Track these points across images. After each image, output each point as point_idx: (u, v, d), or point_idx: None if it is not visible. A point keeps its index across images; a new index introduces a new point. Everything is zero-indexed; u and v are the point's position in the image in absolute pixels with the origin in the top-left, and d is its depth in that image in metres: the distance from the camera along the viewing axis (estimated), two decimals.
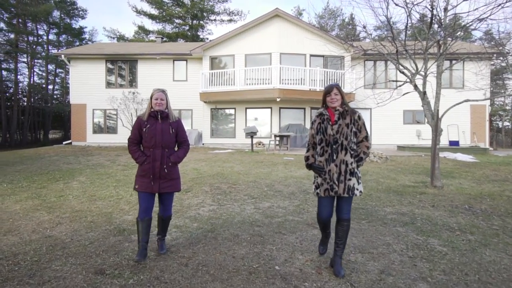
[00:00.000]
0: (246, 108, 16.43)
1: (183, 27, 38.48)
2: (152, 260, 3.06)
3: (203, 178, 7.29)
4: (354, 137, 2.83)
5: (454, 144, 16.17)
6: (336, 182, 2.76)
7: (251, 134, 13.35)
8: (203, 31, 39.43)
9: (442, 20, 6.22)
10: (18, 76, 35.62)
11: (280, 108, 16.07)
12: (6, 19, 33.38)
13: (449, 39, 6.47)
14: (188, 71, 17.74)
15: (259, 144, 15.49)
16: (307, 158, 2.99)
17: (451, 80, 16.35)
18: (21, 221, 4.35)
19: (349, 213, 2.85)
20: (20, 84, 36.49)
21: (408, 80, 6.72)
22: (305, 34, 15.99)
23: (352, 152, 2.80)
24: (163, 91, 3.16)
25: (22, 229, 4.01)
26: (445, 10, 6.27)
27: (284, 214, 4.69)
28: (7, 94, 35.25)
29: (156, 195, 3.22)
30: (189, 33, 37.69)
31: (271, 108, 16.07)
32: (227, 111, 16.90)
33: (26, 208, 4.99)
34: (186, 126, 17.68)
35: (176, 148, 3.30)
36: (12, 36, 34.28)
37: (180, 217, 4.52)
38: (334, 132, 2.79)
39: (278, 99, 14.90)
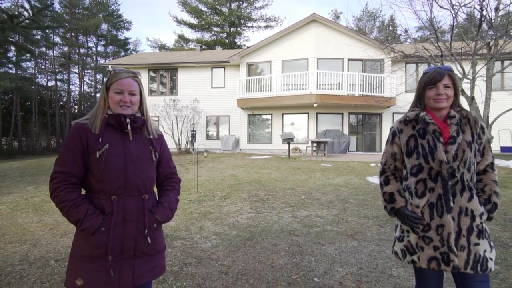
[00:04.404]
0: (282, 114, 16.44)
1: (221, 34, 39.42)
2: (194, 267, 3.17)
3: (241, 185, 7.40)
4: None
5: (506, 150, 15.01)
6: (454, 249, 1.55)
7: (288, 140, 13.33)
8: (240, 38, 40.14)
9: (493, 21, 5.86)
10: (70, 86, 38.51)
11: (317, 113, 15.90)
12: (61, 34, 36.27)
13: (501, 40, 6.07)
14: (226, 78, 18.12)
15: (296, 150, 15.41)
16: (390, 197, 1.73)
17: (503, 81, 15.23)
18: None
19: None
20: (72, 93, 39.41)
21: None
22: (342, 38, 15.72)
23: (478, 194, 1.65)
24: (134, 76, 1.58)
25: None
26: (496, 9, 5.90)
27: (322, 224, 4.64)
28: (61, 103, 38.23)
29: None
30: (227, 41, 38.53)
31: (308, 113, 15.95)
32: (264, 116, 17.01)
33: None
34: (224, 131, 18.05)
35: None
36: (65, 49, 37.19)
37: (219, 224, 4.63)
38: (450, 157, 1.59)
39: (315, 105, 14.76)
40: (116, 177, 1.46)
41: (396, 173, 1.80)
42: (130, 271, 1.48)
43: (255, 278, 2.93)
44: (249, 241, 3.93)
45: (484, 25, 6.18)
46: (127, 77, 1.54)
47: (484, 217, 1.60)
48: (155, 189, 1.70)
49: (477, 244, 1.56)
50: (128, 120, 1.51)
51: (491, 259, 1.58)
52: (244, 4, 37.98)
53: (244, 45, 37.27)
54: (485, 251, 1.57)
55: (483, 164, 1.67)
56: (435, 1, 5.60)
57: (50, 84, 37.22)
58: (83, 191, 1.52)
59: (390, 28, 36.71)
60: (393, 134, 1.78)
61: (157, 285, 2.80)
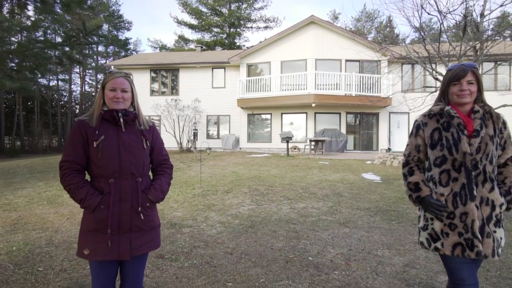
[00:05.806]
0: (282, 114, 16.84)
1: (221, 35, 39.81)
2: (201, 249, 3.57)
3: (241, 181, 7.79)
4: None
5: None
6: (479, 235, 1.64)
7: (287, 139, 13.72)
8: (239, 39, 40.52)
9: (479, 26, 6.25)
10: (72, 86, 38.94)
11: (315, 113, 16.30)
12: (63, 34, 36.67)
13: (486, 43, 6.45)
14: (226, 78, 18.51)
15: (295, 149, 15.81)
16: (415, 186, 1.82)
17: (496, 83, 15.66)
18: None
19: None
20: (73, 93, 39.84)
21: None
22: (340, 40, 16.13)
23: (499, 186, 1.74)
24: (126, 76, 1.83)
25: None
26: (482, 15, 6.29)
27: (317, 214, 5.03)
28: (62, 102, 38.65)
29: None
30: (227, 41, 38.91)
31: (306, 113, 16.35)
32: (263, 116, 17.42)
33: None
34: (224, 130, 18.45)
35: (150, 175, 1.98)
36: (67, 49, 37.55)
37: (223, 214, 5.03)
38: (473, 150, 1.67)
39: (313, 105, 15.16)
40: (112, 163, 1.72)
41: (420, 165, 1.87)
42: (128, 243, 1.73)
43: (256, 257, 3.33)
44: (251, 228, 4.33)
45: (470, 31, 6.58)
46: (120, 77, 1.78)
47: (504, 207, 1.70)
48: (150, 174, 1.97)
49: (495, 232, 1.66)
50: (120, 114, 1.76)
51: (501, 246, 1.70)
52: (244, 5, 38.38)
53: (244, 46, 37.66)
54: (501, 238, 1.68)
55: (504, 157, 1.75)
56: (423, 8, 5.99)
57: (51, 84, 37.60)
58: (88, 177, 1.80)
59: (388, 29, 37.13)
60: (417, 127, 1.85)
61: (171, 262, 3.20)
